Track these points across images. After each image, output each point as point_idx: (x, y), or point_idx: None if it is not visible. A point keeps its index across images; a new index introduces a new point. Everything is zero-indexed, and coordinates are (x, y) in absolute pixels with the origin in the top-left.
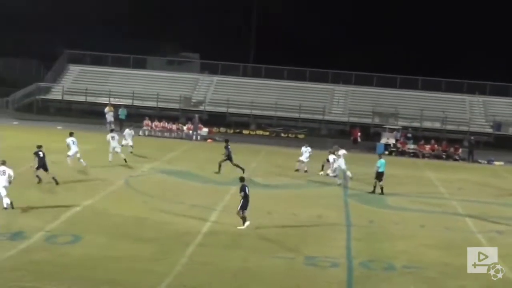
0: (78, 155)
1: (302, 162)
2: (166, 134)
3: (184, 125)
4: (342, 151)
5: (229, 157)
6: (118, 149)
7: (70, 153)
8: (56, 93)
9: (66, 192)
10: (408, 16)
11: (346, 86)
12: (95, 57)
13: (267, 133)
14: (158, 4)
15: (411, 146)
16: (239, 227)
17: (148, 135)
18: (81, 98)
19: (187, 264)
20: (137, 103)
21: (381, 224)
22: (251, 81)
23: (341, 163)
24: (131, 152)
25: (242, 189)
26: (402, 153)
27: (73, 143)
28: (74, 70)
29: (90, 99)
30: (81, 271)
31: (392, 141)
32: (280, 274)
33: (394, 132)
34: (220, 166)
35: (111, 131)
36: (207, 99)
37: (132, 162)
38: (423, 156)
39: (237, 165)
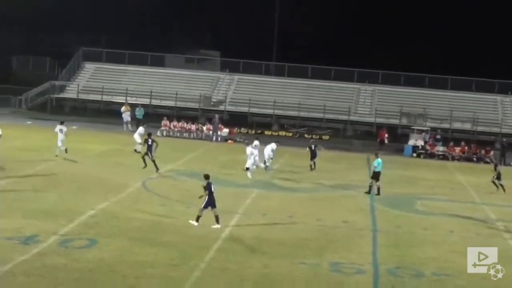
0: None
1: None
2: (185, 134)
3: (204, 126)
4: (256, 142)
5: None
6: (60, 143)
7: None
8: (71, 92)
9: (81, 195)
10: (437, 13)
11: (372, 85)
12: (111, 55)
13: (290, 134)
14: (177, 1)
15: (440, 148)
16: (190, 221)
17: (166, 136)
18: (97, 97)
19: (206, 269)
20: (155, 102)
21: (409, 229)
22: (273, 80)
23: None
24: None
25: (208, 187)
26: (431, 156)
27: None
28: (89, 68)
29: (106, 98)
30: (96, 276)
31: (420, 142)
32: (303, 280)
33: (423, 134)
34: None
35: (61, 123)
36: (227, 98)
37: (150, 164)
38: (453, 159)
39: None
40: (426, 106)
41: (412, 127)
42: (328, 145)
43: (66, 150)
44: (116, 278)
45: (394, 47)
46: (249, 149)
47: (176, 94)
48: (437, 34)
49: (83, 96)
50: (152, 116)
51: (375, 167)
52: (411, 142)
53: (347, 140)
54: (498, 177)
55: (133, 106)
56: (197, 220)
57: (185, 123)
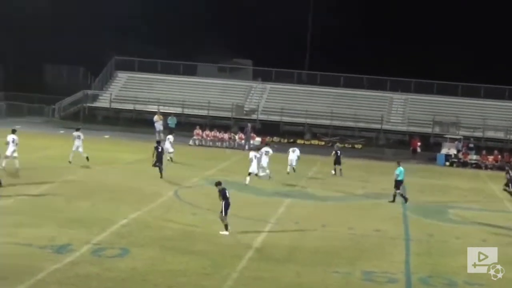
0: (15, 154)
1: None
2: (218, 143)
3: (236, 135)
4: (265, 149)
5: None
6: (81, 149)
7: (7, 152)
8: (104, 101)
9: (113, 204)
10: (471, 21)
11: (404, 94)
12: (143, 64)
13: (323, 143)
14: (209, 9)
15: (473, 157)
16: (221, 232)
17: (199, 145)
18: (129, 106)
19: (239, 279)
20: (187, 111)
21: (441, 238)
22: (306, 88)
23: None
24: (170, 159)
25: (222, 193)
26: (464, 164)
27: (13, 142)
28: (122, 77)
29: (139, 107)
30: (129, 286)
31: (453, 151)
32: None
33: (456, 142)
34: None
35: (77, 129)
36: (260, 107)
37: (182, 173)
38: (486, 168)
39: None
40: (459, 115)
41: (445, 136)
42: (360, 154)
43: (87, 158)
44: (148, 287)
45: (427, 56)
46: (252, 154)
47: (209, 103)
48: (470, 42)
49: (115, 105)
50: (184, 125)
51: (397, 175)
52: (444, 150)
53: (379, 149)
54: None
55: (165, 115)
56: (226, 229)
57: (218, 132)
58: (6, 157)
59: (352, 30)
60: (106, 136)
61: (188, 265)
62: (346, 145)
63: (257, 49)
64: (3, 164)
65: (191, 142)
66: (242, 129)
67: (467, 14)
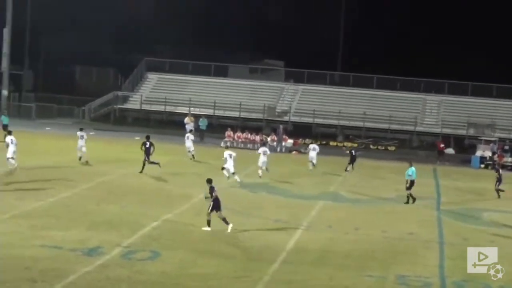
0: (14, 155)
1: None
2: (249, 145)
3: (268, 136)
4: (262, 149)
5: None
6: (84, 148)
7: (8, 154)
8: (134, 102)
9: (144, 206)
10: (505, 22)
11: (438, 95)
12: (174, 65)
13: (355, 145)
14: (240, 10)
15: (508, 159)
16: (203, 228)
17: (230, 147)
18: (160, 108)
19: (270, 282)
20: (218, 113)
21: (476, 242)
22: (338, 90)
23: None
24: (193, 157)
25: (211, 191)
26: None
27: (12, 142)
28: (152, 78)
29: (169, 108)
30: None
31: (488, 153)
32: None
33: (491, 144)
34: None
35: (81, 129)
36: (292, 109)
37: (212, 175)
38: None
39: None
40: (494, 116)
41: (480, 138)
42: (393, 156)
43: (80, 158)
44: None
45: (462, 56)
46: (226, 153)
47: (240, 104)
48: (504, 43)
49: (146, 107)
50: (215, 127)
51: (410, 175)
52: (479, 153)
53: (412, 151)
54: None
55: (196, 117)
56: (208, 225)
57: (249, 134)
58: (8, 158)
59: (385, 31)
60: (137, 138)
61: (219, 268)
62: (379, 147)
63: (289, 50)
64: (12, 164)
65: (222, 144)
66: (274, 131)
67: (502, 15)
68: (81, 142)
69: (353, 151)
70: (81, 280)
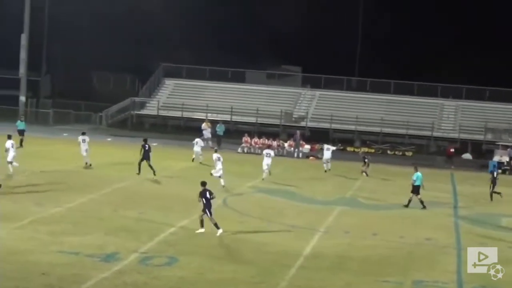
0: (13, 159)
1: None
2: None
3: (285, 142)
4: (266, 151)
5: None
6: (84, 153)
7: (9, 158)
8: (151, 108)
9: (161, 212)
10: None
11: (456, 100)
12: (191, 71)
13: (373, 150)
14: (257, 16)
15: None
16: (197, 231)
17: (247, 152)
18: (177, 114)
19: (288, 287)
20: (235, 118)
21: (494, 247)
22: (355, 95)
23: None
24: (201, 163)
25: (203, 194)
26: None
27: (12, 147)
28: (169, 84)
29: (187, 114)
30: None
31: (505, 158)
32: None
33: (508, 149)
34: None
35: (83, 133)
36: (309, 114)
37: (230, 181)
38: None
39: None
40: None
41: (497, 143)
42: (410, 162)
43: (87, 163)
44: None
45: (479, 61)
46: (215, 156)
47: (257, 110)
48: None
49: (163, 113)
50: (233, 133)
51: (414, 180)
52: (496, 158)
53: (430, 157)
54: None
55: (213, 123)
56: (201, 226)
57: (266, 140)
58: (9, 163)
59: (402, 36)
60: (154, 144)
61: (237, 273)
62: (396, 152)
63: (306, 55)
64: (11, 170)
65: (239, 150)
66: (291, 136)
67: None
68: (83, 146)
69: (364, 156)
70: (98, 286)
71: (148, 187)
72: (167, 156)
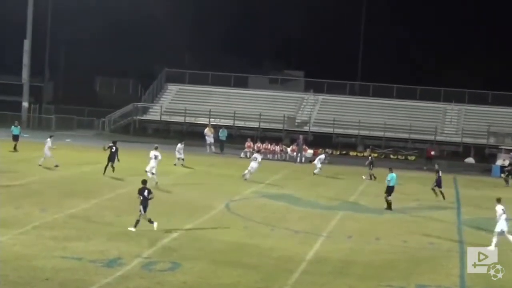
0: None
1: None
2: (269, 156)
3: (288, 147)
4: (255, 155)
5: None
6: (49, 153)
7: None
8: (154, 114)
9: (164, 217)
10: None
11: (459, 104)
12: (194, 76)
13: (376, 155)
14: (260, 21)
15: None
16: (129, 228)
17: (250, 157)
18: (180, 119)
19: None
20: (238, 123)
21: (499, 251)
22: (358, 100)
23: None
24: (182, 165)
25: (141, 192)
26: None
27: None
28: (172, 89)
29: (189, 119)
30: None
31: (506, 162)
32: None
33: (511, 153)
34: None
35: (50, 137)
36: (312, 119)
37: (233, 186)
38: None
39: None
40: None
41: (500, 147)
42: (413, 166)
43: (40, 164)
44: None
45: (481, 65)
46: (152, 153)
47: (260, 115)
48: None
49: (166, 118)
50: (235, 138)
51: (389, 181)
52: (499, 162)
53: (433, 161)
54: (438, 184)
55: (216, 128)
56: (150, 221)
57: (269, 144)
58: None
59: (404, 41)
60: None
61: (240, 278)
62: (399, 156)
63: (309, 60)
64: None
65: (242, 155)
66: (294, 141)
67: None
68: (47, 148)
69: (370, 157)
70: None
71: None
72: (170, 162)
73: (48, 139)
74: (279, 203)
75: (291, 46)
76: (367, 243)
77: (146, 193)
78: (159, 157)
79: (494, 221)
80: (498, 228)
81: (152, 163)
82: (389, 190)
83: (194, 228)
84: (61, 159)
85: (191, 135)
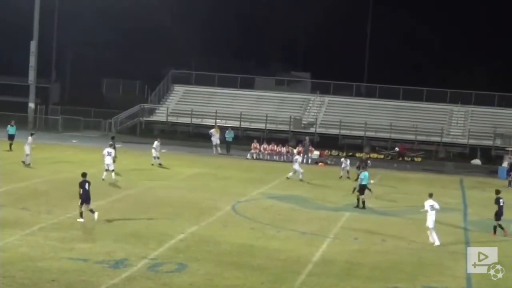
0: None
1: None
2: (275, 157)
3: (294, 148)
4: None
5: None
6: (28, 151)
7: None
8: (160, 115)
9: (170, 218)
10: None
11: (465, 106)
12: (200, 77)
13: (382, 156)
14: (266, 22)
15: None
16: (78, 219)
17: (256, 159)
18: (186, 120)
19: None
20: (244, 125)
21: (504, 253)
22: (364, 101)
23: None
24: (160, 164)
25: (82, 185)
26: None
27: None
28: (179, 90)
29: (196, 120)
30: None
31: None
32: None
33: None
34: None
35: (31, 135)
36: (318, 120)
37: (239, 187)
38: None
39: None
40: None
41: (507, 149)
42: (420, 167)
43: (24, 162)
44: None
45: (488, 66)
46: (105, 150)
47: (266, 116)
48: None
49: (172, 119)
50: (242, 139)
51: (361, 179)
52: (505, 163)
53: (439, 162)
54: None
55: (222, 129)
56: (81, 216)
57: (275, 146)
58: None
59: (411, 42)
60: (163, 151)
61: (246, 280)
62: (405, 158)
63: (315, 61)
64: None
65: (248, 156)
66: (300, 143)
67: None
68: (27, 146)
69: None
70: None
71: (158, 194)
72: (177, 163)
73: (29, 137)
74: (286, 204)
75: (298, 48)
76: (373, 245)
77: (87, 186)
78: (112, 154)
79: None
80: (429, 224)
81: (107, 160)
82: (362, 188)
83: (200, 230)
84: (67, 160)
85: (197, 136)
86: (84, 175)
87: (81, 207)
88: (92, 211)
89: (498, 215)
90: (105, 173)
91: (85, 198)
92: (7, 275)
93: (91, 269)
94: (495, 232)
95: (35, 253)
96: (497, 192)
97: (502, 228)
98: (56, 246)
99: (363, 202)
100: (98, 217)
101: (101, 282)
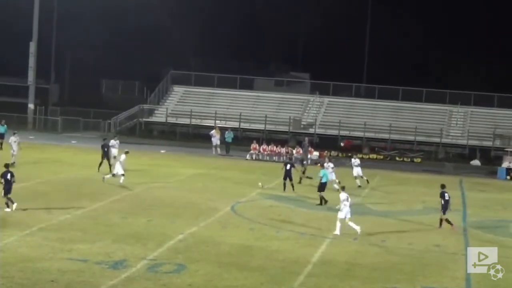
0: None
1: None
2: (275, 158)
3: (294, 149)
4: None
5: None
6: (16, 152)
7: None
8: (160, 116)
9: (170, 219)
10: None
11: (464, 107)
12: (200, 78)
13: (381, 157)
14: (266, 23)
15: None
16: (5, 209)
17: (256, 159)
18: (186, 121)
19: None
20: (244, 125)
21: (504, 253)
22: (364, 102)
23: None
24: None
25: (4, 175)
26: None
27: (15, 143)
28: (178, 91)
29: (195, 121)
30: None
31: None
32: None
33: None
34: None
35: (14, 134)
36: (317, 121)
37: (238, 188)
38: None
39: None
40: None
41: (506, 149)
42: (419, 168)
43: (13, 164)
44: None
45: (487, 67)
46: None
47: (266, 117)
48: None
49: (171, 120)
50: (241, 140)
51: (321, 177)
52: (505, 164)
53: (438, 163)
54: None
55: (222, 130)
56: (7, 206)
57: (275, 147)
58: None
59: (410, 43)
60: (162, 151)
61: (246, 281)
62: (405, 159)
63: (315, 62)
64: None
65: (248, 157)
66: (300, 143)
67: None
68: (14, 146)
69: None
70: None
71: (157, 194)
72: (176, 164)
73: (12, 137)
74: (285, 205)
75: (297, 48)
76: (372, 246)
77: (9, 176)
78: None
79: (500, 223)
80: (341, 215)
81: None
82: (322, 186)
83: (199, 230)
84: (66, 161)
85: (197, 137)
86: (6, 166)
87: (6, 198)
88: (11, 201)
89: (444, 209)
90: (122, 178)
91: (7, 188)
92: (6, 275)
93: (90, 270)
94: (440, 225)
95: (34, 254)
96: (443, 186)
97: (449, 222)
98: (55, 247)
99: (321, 199)
100: (16, 207)
101: (100, 283)
